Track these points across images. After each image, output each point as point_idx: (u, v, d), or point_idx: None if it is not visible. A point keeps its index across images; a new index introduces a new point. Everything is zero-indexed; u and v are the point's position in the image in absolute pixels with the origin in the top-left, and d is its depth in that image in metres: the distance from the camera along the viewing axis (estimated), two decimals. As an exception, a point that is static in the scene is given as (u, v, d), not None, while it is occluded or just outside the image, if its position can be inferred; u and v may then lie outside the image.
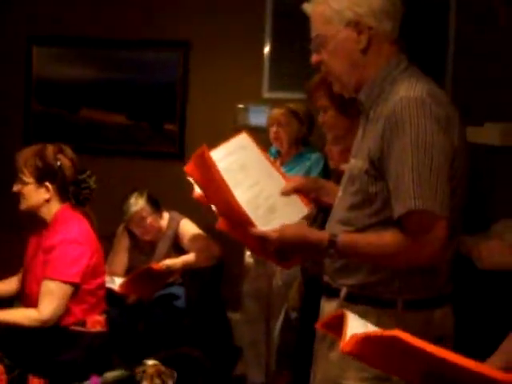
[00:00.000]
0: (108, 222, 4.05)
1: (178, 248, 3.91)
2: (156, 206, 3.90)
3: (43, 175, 2.66)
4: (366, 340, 1.27)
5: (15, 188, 2.68)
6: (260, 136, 3.75)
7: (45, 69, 4.93)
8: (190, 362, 3.19)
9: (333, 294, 1.88)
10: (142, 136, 4.84)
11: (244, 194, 1.93)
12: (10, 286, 2.89)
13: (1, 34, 4.89)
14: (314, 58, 1.86)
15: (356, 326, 1.36)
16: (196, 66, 4.69)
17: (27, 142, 4.73)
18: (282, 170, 3.49)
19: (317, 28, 1.83)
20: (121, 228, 4.03)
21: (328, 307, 1.92)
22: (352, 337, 1.28)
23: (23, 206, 2.70)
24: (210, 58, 4.63)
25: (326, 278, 1.94)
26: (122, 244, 4.00)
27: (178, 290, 3.84)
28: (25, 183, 2.66)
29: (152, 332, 3.59)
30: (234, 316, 4.27)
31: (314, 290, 2.16)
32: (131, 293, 3.69)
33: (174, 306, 3.76)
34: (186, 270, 3.80)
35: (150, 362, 2.77)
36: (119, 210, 3.90)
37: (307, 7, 1.85)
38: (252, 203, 1.93)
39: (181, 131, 4.72)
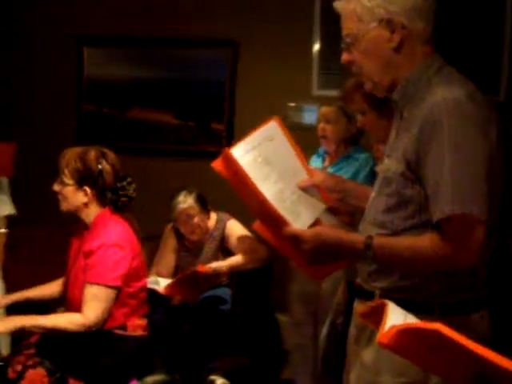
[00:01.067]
0: (155, 222, 4.06)
1: (225, 249, 3.88)
2: (204, 205, 3.88)
3: (83, 178, 2.64)
4: (404, 332, 1.20)
5: (55, 187, 2.68)
6: (309, 134, 3.71)
7: (95, 69, 4.98)
8: (238, 369, 3.16)
9: (365, 296, 1.85)
10: (189, 136, 4.83)
11: (270, 189, 1.87)
12: (53, 288, 2.90)
13: (52, 36, 4.95)
14: (345, 57, 1.82)
15: (396, 317, 1.30)
16: (244, 65, 4.65)
17: (79, 142, 4.79)
18: (330, 170, 3.45)
19: (348, 26, 1.78)
20: (168, 228, 4.02)
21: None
22: (390, 328, 1.22)
23: (62, 206, 2.70)
24: (258, 57, 4.59)
25: (358, 281, 1.91)
26: (169, 244, 3.98)
27: (224, 292, 3.80)
28: (65, 184, 2.65)
29: (197, 334, 3.56)
30: (284, 318, 4.20)
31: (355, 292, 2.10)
32: (176, 295, 3.67)
33: (219, 309, 3.72)
34: (233, 272, 3.76)
35: (220, 381, 2.75)
36: (166, 210, 3.88)
37: (338, 5, 1.80)
38: (278, 198, 1.88)
39: (229, 131, 4.68)
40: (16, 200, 3.86)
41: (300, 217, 1.89)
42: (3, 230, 3.72)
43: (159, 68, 4.84)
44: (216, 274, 3.62)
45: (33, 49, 5.00)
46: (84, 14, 4.89)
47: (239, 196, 1.96)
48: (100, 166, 2.65)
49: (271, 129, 2.03)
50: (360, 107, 2.64)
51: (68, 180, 2.64)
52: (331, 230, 1.81)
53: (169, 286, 3.56)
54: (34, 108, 5.03)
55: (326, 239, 1.76)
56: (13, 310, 3.03)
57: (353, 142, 3.52)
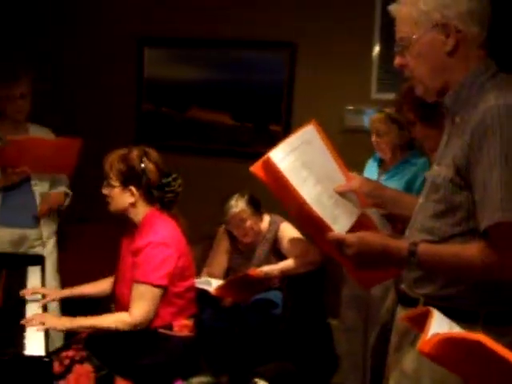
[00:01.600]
0: (209, 222, 4.08)
1: (277, 252, 3.85)
2: (257, 208, 3.86)
3: (128, 179, 2.68)
4: (447, 341, 1.20)
5: (104, 191, 2.72)
6: (367, 137, 3.64)
7: (155, 69, 5.03)
8: (282, 374, 3.14)
9: (409, 303, 1.84)
10: (246, 137, 4.83)
11: (310, 193, 1.86)
12: (104, 286, 2.94)
13: (114, 36, 5.03)
14: (398, 60, 1.81)
15: (440, 325, 1.30)
16: (302, 67, 4.61)
17: (138, 141, 4.86)
18: (386, 176, 3.39)
19: (402, 30, 1.77)
20: (221, 229, 4.02)
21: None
22: (433, 337, 1.23)
23: (111, 208, 2.74)
24: (316, 59, 4.54)
25: (402, 287, 1.90)
26: (222, 246, 3.99)
27: (276, 296, 3.78)
28: (111, 186, 2.69)
29: (247, 337, 3.55)
30: (337, 323, 4.15)
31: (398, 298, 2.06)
32: (227, 296, 3.67)
33: (270, 313, 3.70)
34: (285, 276, 3.74)
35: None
36: (221, 211, 3.89)
37: (393, 8, 1.80)
38: (318, 201, 1.87)
39: (286, 132, 4.65)
40: (77, 197, 3.95)
41: (338, 221, 1.89)
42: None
43: (218, 69, 4.85)
44: (267, 277, 3.60)
45: (95, 49, 5.09)
46: (145, 15, 4.95)
47: (279, 200, 1.95)
48: (143, 165, 2.68)
49: (309, 133, 2.04)
50: (409, 118, 2.62)
51: (114, 182, 2.68)
52: (375, 235, 1.80)
53: (220, 288, 3.56)
54: (95, 106, 5.13)
55: (369, 244, 1.75)
56: (67, 303, 3.10)
57: (408, 146, 3.44)
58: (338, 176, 2.03)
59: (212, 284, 3.60)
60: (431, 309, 1.38)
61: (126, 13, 5.00)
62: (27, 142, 3.50)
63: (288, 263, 3.68)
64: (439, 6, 1.69)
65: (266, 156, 1.85)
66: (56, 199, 3.73)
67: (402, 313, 1.89)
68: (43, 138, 3.61)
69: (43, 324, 2.41)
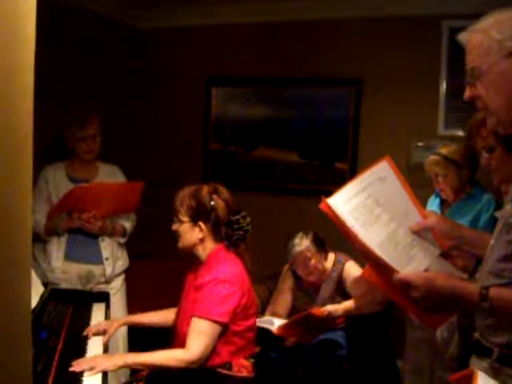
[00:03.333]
0: (276, 260, 4.05)
1: (342, 291, 3.79)
2: (321, 246, 3.82)
3: (197, 215, 2.70)
4: None
5: (174, 226, 2.75)
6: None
7: (222, 109, 5.11)
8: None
9: (483, 353, 1.70)
10: (312, 175, 4.82)
11: (381, 232, 1.82)
12: (166, 316, 2.94)
13: (180, 76, 5.14)
14: (468, 92, 1.71)
15: None
16: (368, 104, 4.60)
17: (205, 179, 4.93)
18: (448, 212, 3.29)
19: (473, 59, 1.68)
20: (286, 268, 3.99)
21: (477, 367, 1.72)
22: None
23: (180, 244, 2.76)
24: (382, 96, 4.52)
25: (476, 335, 1.77)
26: (286, 284, 3.95)
27: (341, 336, 3.71)
28: (181, 222, 2.72)
29: (310, 378, 3.49)
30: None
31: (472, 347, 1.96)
32: (289, 336, 3.63)
33: (335, 355, 3.63)
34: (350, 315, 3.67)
35: None
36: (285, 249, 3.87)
37: (463, 37, 1.71)
38: (390, 241, 1.82)
39: (352, 170, 4.62)
40: (144, 234, 4.01)
41: (414, 260, 1.83)
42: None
43: (283, 107, 4.89)
44: (331, 316, 3.54)
45: (164, 88, 5.22)
46: (213, 55, 5.05)
47: (346, 238, 1.91)
48: (213, 202, 2.70)
49: (382, 169, 1.99)
50: (487, 143, 2.51)
51: (183, 217, 2.71)
52: (444, 277, 1.70)
53: (282, 327, 3.52)
54: (163, 145, 5.23)
55: (437, 286, 1.67)
56: (135, 333, 3.10)
57: (471, 182, 3.34)
58: (414, 214, 1.96)
59: (275, 323, 3.56)
60: (475, 370, 1.34)
61: (194, 53, 5.11)
62: (93, 188, 3.56)
63: (352, 303, 3.61)
64: None
65: (325, 200, 1.82)
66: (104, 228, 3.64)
67: (475, 363, 1.75)
68: (108, 183, 3.66)
69: (93, 368, 2.37)
